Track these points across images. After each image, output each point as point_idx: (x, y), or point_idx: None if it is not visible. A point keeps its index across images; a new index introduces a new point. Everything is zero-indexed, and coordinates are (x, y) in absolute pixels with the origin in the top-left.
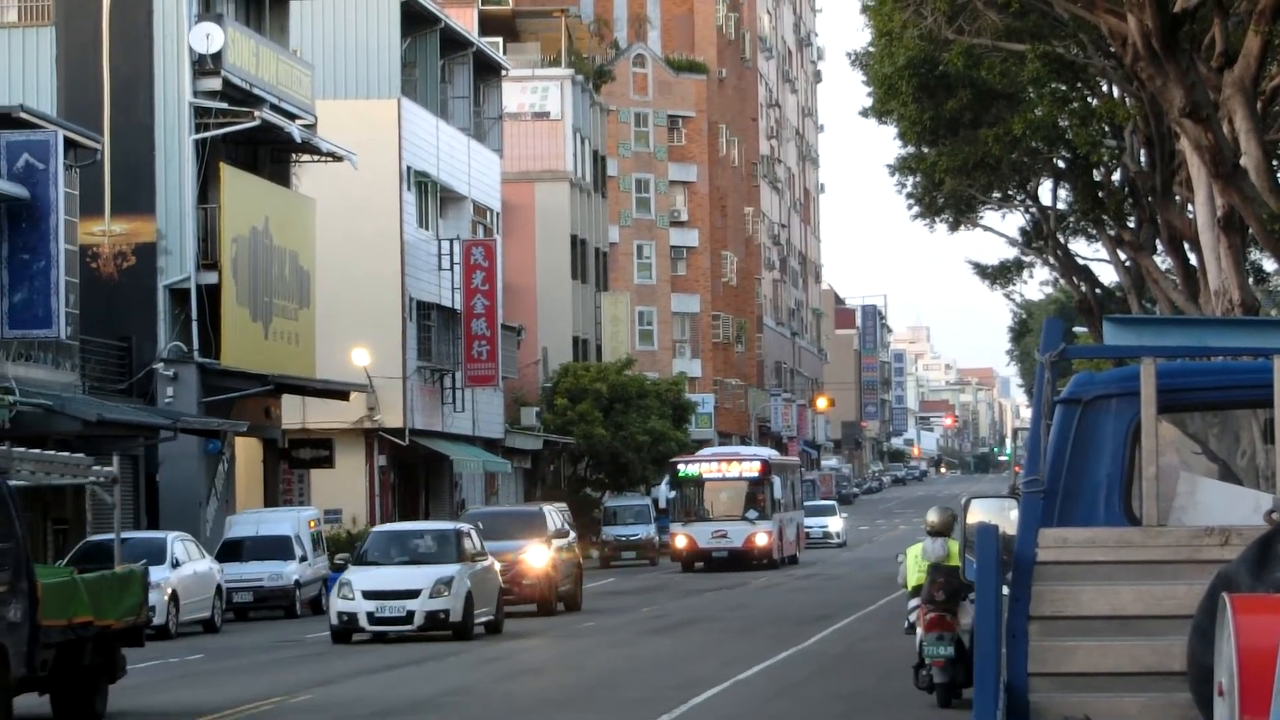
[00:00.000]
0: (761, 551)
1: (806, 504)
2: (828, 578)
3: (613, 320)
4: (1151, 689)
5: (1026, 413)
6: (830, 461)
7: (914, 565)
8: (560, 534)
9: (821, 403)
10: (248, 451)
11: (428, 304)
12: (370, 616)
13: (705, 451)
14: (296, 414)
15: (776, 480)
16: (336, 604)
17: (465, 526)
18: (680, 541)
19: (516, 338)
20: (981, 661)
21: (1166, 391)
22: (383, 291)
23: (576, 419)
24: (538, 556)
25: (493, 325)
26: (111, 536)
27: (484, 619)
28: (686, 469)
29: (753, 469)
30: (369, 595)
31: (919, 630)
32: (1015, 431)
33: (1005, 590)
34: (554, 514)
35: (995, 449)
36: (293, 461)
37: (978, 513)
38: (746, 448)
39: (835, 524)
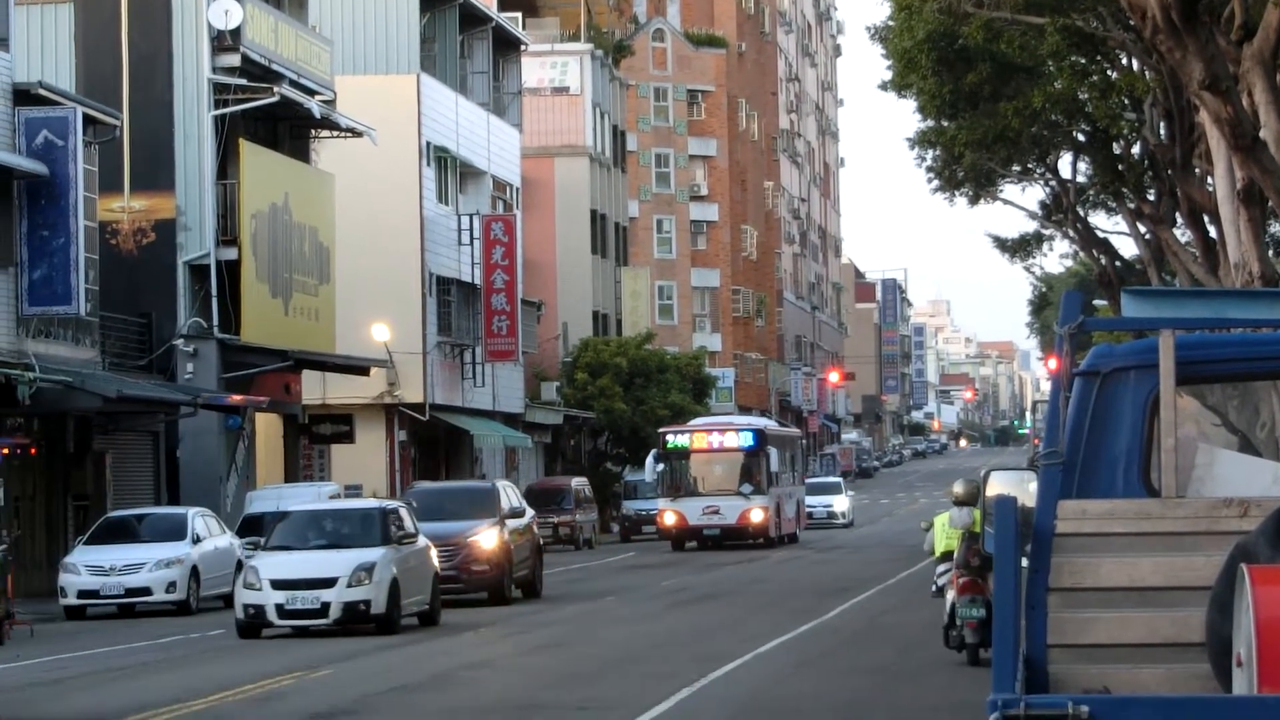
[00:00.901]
0: (757, 529)
1: (810, 480)
2: (850, 550)
3: (632, 295)
4: (1170, 660)
5: (1046, 385)
6: (850, 435)
7: (941, 533)
8: (515, 513)
9: (834, 376)
10: (268, 427)
11: (447, 279)
12: (280, 609)
13: (696, 421)
14: (317, 389)
15: (774, 452)
16: (242, 595)
17: (394, 505)
18: (669, 518)
19: (536, 312)
20: (1000, 633)
21: (1185, 364)
22: (402, 267)
23: (596, 393)
24: (488, 538)
25: (513, 300)
26: (134, 512)
27: (415, 609)
28: (675, 439)
29: (747, 439)
30: (278, 585)
31: (950, 593)
32: (1035, 404)
33: (1024, 562)
34: (509, 490)
35: (1015, 422)
36: (313, 437)
37: (997, 485)
38: (741, 416)
39: (841, 503)
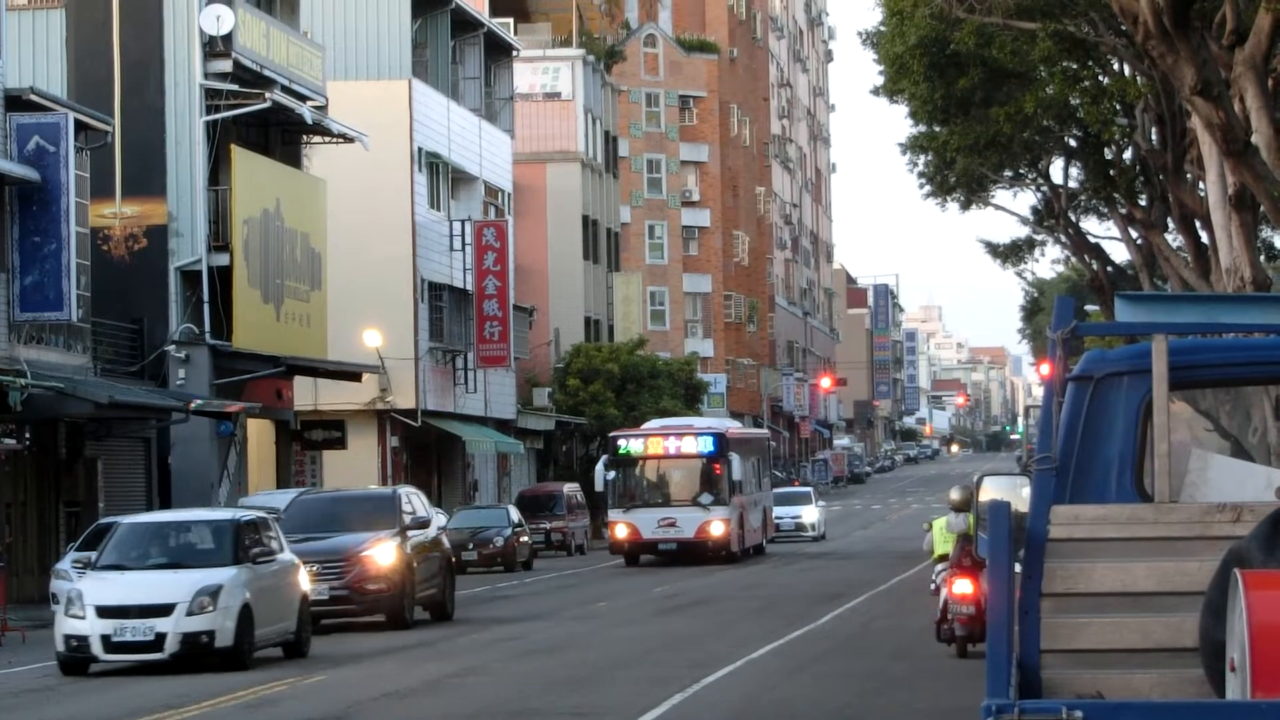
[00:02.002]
0: (717, 543)
1: (776, 491)
2: (842, 556)
3: (624, 300)
4: (1164, 665)
5: (1038, 391)
6: (843, 440)
7: (939, 536)
8: (420, 524)
9: (826, 382)
10: (260, 433)
11: (439, 285)
12: (106, 641)
13: (652, 424)
14: (308, 395)
15: (736, 458)
16: (62, 624)
17: (252, 515)
18: (620, 531)
19: (528, 318)
20: (993, 638)
21: (1178, 369)
22: (394, 273)
23: (589, 399)
24: (385, 553)
25: (504, 306)
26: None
27: (277, 640)
28: (627, 444)
29: (706, 444)
30: (105, 612)
31: (944, 591)
32: (1027, 409)
33: (1018, 567)
34: (414, 498)
35: (1007, 427)
36: (305, 443)
37: (990, 490)
38: (701, 419)
39: (810, 513)
